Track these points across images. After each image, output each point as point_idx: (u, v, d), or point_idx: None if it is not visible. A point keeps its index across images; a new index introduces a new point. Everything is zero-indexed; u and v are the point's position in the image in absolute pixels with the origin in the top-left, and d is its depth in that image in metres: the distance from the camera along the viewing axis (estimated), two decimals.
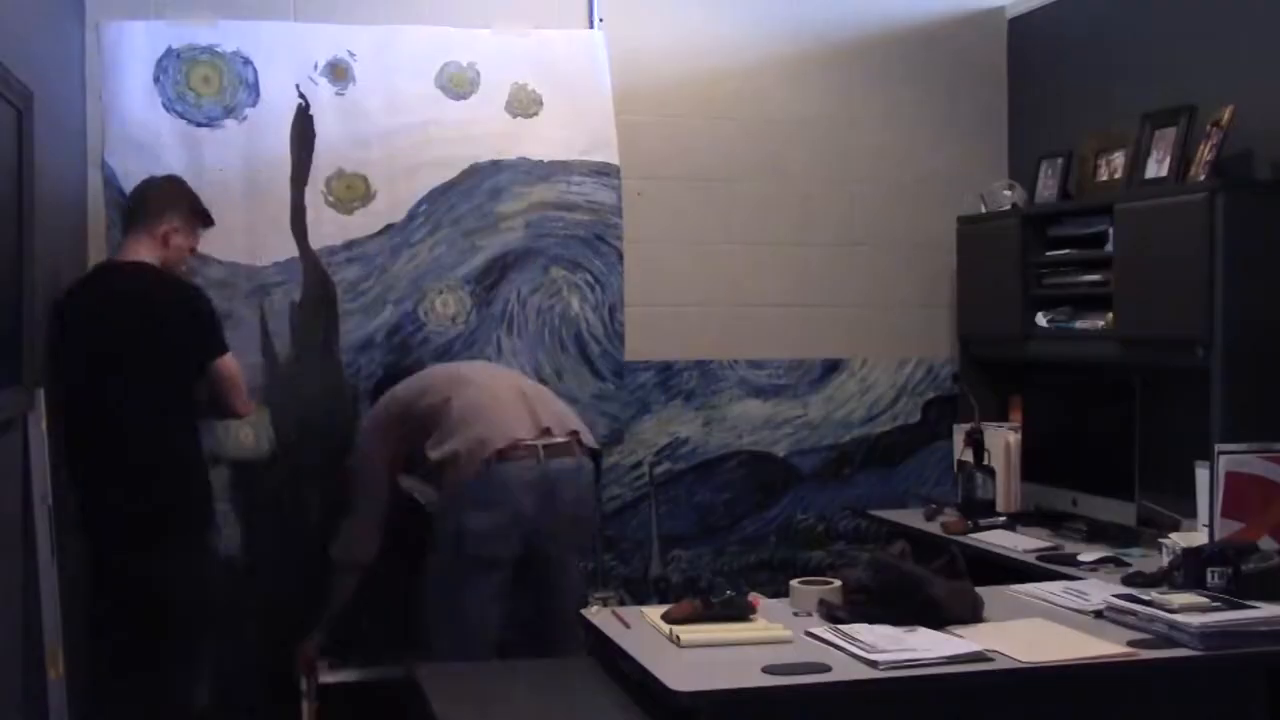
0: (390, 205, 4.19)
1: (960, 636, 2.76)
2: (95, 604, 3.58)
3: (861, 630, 2.77)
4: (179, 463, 3.56)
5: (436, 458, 3.59)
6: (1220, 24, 3.86)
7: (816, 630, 2.82)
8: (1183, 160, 3.76)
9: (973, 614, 2.91)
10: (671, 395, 4.52)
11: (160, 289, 3.57)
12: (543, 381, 4.14)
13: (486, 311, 4.26)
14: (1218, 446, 3.33)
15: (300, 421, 4.08)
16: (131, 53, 4.03)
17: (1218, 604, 2.85)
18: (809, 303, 4.65)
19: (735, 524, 4.57)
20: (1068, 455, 4.16)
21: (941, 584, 2.90)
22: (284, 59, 4.12)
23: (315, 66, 4.14)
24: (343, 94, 4.16)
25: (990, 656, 2.64)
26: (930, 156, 4.75)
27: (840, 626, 2.82)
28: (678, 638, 2.79)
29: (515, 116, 4.30)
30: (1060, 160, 4.34)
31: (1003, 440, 4.36)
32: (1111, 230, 3.86)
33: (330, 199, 4.15)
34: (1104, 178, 4.11)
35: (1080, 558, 3.61)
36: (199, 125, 4.05)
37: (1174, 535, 3.44)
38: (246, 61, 4.09)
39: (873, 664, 2.59)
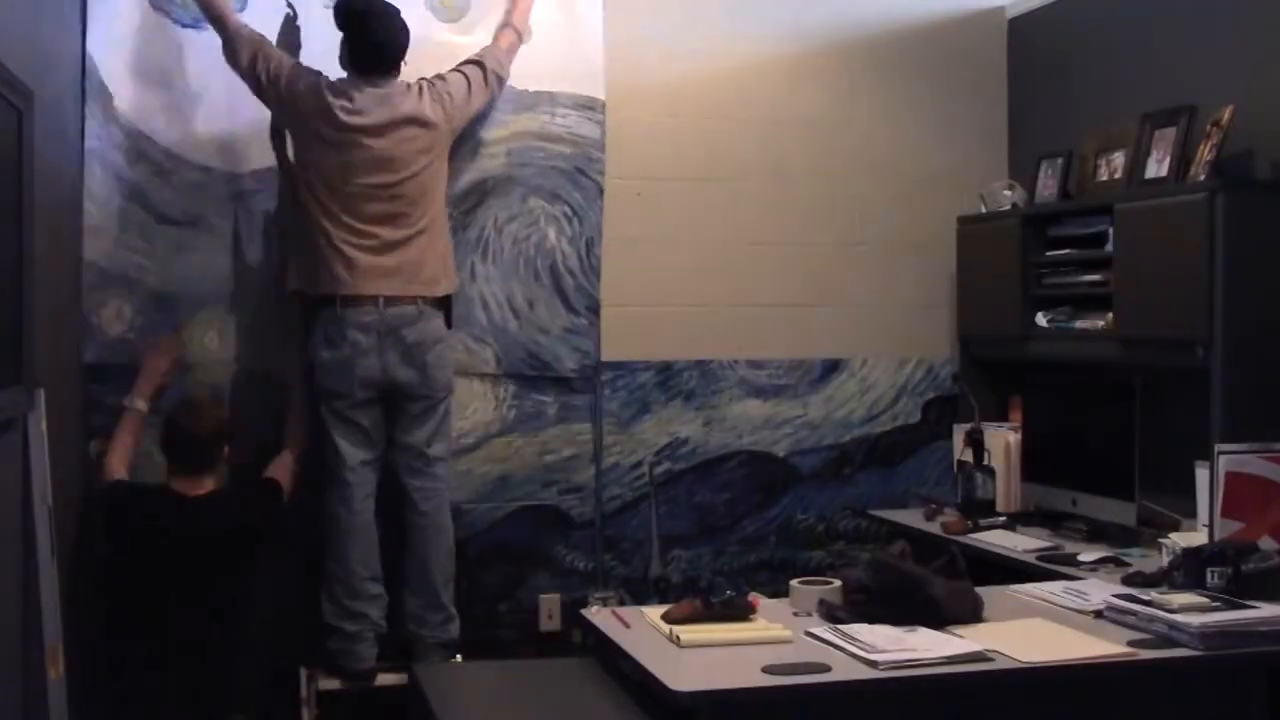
0: None
1: (960, 636, 2.76)
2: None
3: (861, 630, 2.77)
4: None
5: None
6: (1220, 24, 3.86)
7: (816, 630, 2.82)
8: (1183, 160, 3.76)
9: (973, 614, 2.91)
10: (671, 395, 4.52)
11: None
12: (514, 312, 4.23)
13: (463, 236, 4.22)
14: (1217, 446, 3.34)
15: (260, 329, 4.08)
16: None
17: (1218, 604, 2.85)
18: (809, 303, 4.65)
19: (735, 524, 4.57)
20: (1068, 455, 4.16)
21: (941, 584, 2.91)
22: None
23: None
24: (330, 6, 3.98)
25: (990, 656, 2.64)
26: (930, 156, 4.75)
27: (840, 626, 2.83)
28: (678, 638, 2.79)
29: None
30: (1060, 160, 4.34)
31: (1003, 440, 4.36)
32: (1111, 230, 3.86)
33: None
34: (1104, 178, 4.11)
35: (1080, 558, 3.61)
36: (185, 26, 4.00)
37: (1174, 535, 3.45)
38: None
39: (873, 664, 2.59)
